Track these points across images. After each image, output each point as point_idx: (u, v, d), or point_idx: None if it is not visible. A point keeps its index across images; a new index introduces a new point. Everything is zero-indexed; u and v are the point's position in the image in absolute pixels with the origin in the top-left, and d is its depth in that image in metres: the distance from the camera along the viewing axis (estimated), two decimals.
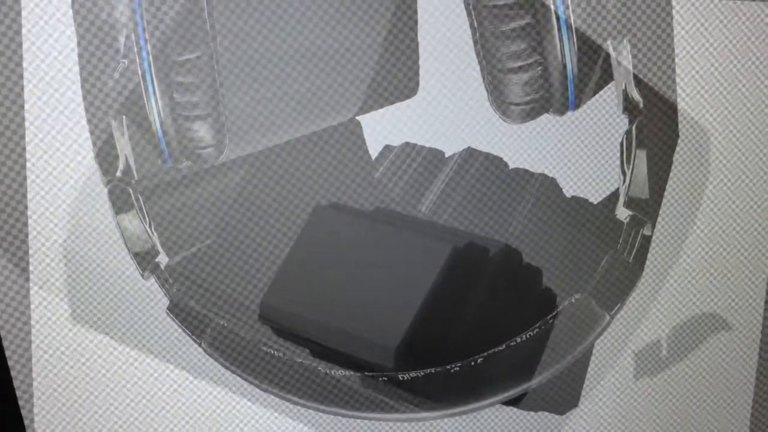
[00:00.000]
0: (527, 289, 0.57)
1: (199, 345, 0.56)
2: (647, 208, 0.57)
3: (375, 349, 0.55)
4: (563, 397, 0.65)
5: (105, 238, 0.56)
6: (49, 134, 0.54)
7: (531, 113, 0.53)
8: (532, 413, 0.65)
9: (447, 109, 0.59)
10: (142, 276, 0.55)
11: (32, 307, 0.56)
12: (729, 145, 0.62)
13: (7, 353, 0.57)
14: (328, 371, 0.56)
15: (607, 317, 0.58)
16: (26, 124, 0.53)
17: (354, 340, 0.56)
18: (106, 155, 0.52)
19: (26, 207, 0.55)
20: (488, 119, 0.59)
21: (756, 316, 0.67)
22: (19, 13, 0.51)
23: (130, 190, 0.53)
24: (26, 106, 0.53)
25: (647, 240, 0.59)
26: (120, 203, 0.53)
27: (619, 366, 0.66)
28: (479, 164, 0.61)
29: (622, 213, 0.57)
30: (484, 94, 0.58)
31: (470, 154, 0.61)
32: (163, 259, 0.55)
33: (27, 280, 0.56)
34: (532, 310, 0.58)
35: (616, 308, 0.59)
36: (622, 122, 0.60)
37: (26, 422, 0.58)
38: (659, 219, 0.61)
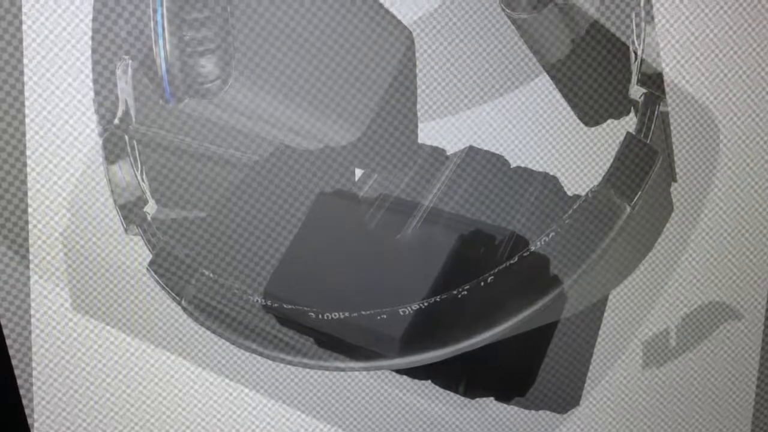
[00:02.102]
0: (534, 276, 0.57)
1: (179, 303, 0.55)
2: (661, 84, 0.55)
3: (380, 338, 0.55)
4: (564, 395, 0.64)
5: (105, 227, 0.56)
6: (49, 123, 0.54)
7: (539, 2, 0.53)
8: (533, 412, 0.65)
9: (449, 107, 0.59)
10: (126, 230, 0.54)
11: (32, 296, 0.56)
12: (738, 137, 0.62)
13: (10, 343, 0.56)
14: (319, 316, 0.54)
15: (628, 209, 0.55)
16: (26, 113, 0.53)
17: (358, 330, 0.56)
18: (108, 106, 0.52)
19: (26, 195, 0.54)
20: (490, 117, 0.59)
21: (761, 309, 0.67)
22: (20, 7, 0.51)
23: (126, 137, 0.52)
24: (26, 96, 0.53)
25: (665, 117, 0.56)
26: (113, 151, 0.53)
27: (620, 363, 0.66)
28: (481, 162, 0.61)
29: (636, 92, 0.56)
30: (486, 91, 0.58)
31: (472, 152, 0.61)
32: (150, 209, 0.54)
33: (27, 268, 0.56)
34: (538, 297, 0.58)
35: (637, 197, 0.55)
36: (623, 121, 0.60)
37: (26, 411, 0.58)
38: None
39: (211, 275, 0.54)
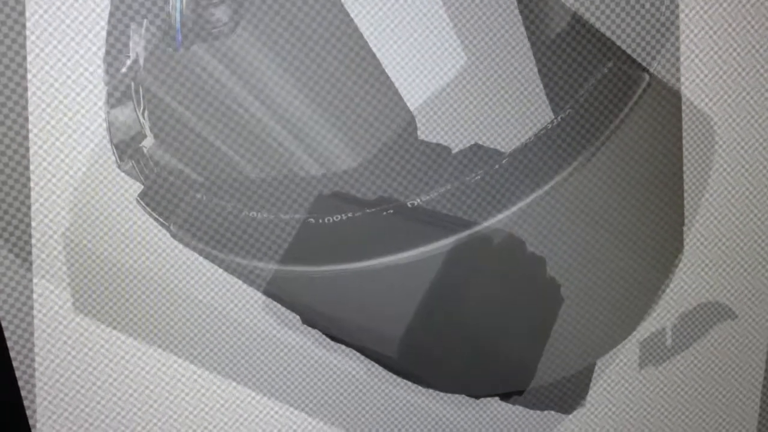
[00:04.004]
0: (531, 278, 0.57)
1: (167, 229, 0.56)
2: None
3: (379, 338, 0.55)
4: (570, 395, 0.64)
5: (108, 228, 0.56)
6: (52, 124, 0.54)
7: None
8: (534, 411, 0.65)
9: (453, 105, 0.59)
10: (119, 165, 0.55)
11: (35, 297, 0.56)
12: (732, 136, 0.62)
13: (11, 345, 0.56)
14: (319, 221, 0.55)
15: (647, 77, 0.55)
16: (29, 113, 0.53)
17: (358, 330, 0.56)
18: (118, 65, 0.54)
19: (29, 197, 0.55)
20: (494, 115, 0.59)
21: (764, 306, 0.67)
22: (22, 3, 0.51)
23: (132, 84, 0.54)
24: (29, 95, 0.53)
25: None
26: (116, 96, 0.54)
27: (617, 362, 0.66)
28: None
29: None
30: (491, 89, 0.58)
31: (476, 150, 0.61)
32: (148, 143, 0.56)
33: (29, 270, 0.56)
34: (535, 299, 0.58)
35: (656, 64, 0.56)
36: None
37: (29, 413, 0.58)
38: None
39: (203, 198, 0.55)
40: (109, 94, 0.54)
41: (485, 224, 0.55)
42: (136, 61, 0.54)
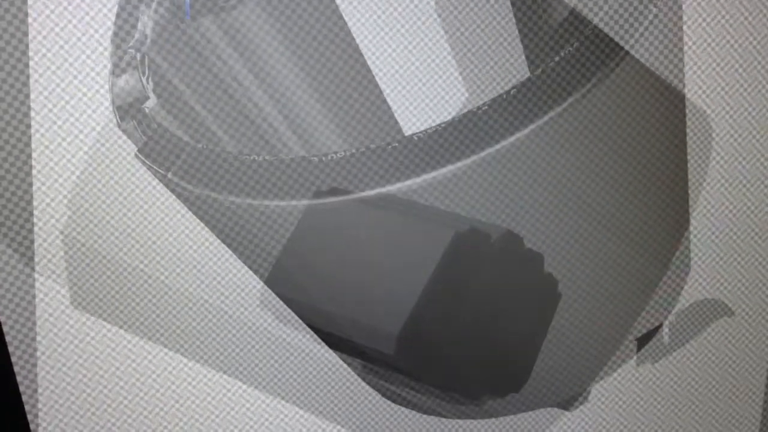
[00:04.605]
0: (529, 274, 0.57)
1: (165, 175, 0.56)
2: None
3: (377, 335, 0.55)
4: (570, 392, 0.65)
5: (112, 225, 0.56)
6: (54, 121, 0.54)
7: None
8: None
9: (453, 99, 0.59)
10: (119, 125, 0.55)
11: (37, 295, 0.56)
12: (728, 134, 0.63)
13: (10, 339, 0.56)
14: (321, 159, 0.55)
15: (654, 9, 0.54)
16: (31, 111, 0.53)
17: (355, 327, 0.56)
18: (124, 38, 0.54)
19: (30, 193, 0.55)
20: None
21: (764, 303, 0.67)
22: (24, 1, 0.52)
23: (137, 55, 0.55)
24: (31, 91, 0.53)
25: None
26: (121, 66, 0.55)
27: (614, 360, 0.66)
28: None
29: None
30: (491, 83, 0.59)
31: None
32: (150, 104, 0.56)
33: (32, 268, 0.56)
34: (533, 295, 0.58)
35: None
36: None
37: (28, 408, 0.58)
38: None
39: (205, 147, 0.55)
40: (115, 65, 0.55)
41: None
42: (142, 37, 0.54)
